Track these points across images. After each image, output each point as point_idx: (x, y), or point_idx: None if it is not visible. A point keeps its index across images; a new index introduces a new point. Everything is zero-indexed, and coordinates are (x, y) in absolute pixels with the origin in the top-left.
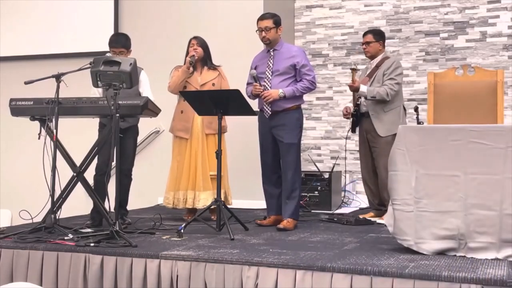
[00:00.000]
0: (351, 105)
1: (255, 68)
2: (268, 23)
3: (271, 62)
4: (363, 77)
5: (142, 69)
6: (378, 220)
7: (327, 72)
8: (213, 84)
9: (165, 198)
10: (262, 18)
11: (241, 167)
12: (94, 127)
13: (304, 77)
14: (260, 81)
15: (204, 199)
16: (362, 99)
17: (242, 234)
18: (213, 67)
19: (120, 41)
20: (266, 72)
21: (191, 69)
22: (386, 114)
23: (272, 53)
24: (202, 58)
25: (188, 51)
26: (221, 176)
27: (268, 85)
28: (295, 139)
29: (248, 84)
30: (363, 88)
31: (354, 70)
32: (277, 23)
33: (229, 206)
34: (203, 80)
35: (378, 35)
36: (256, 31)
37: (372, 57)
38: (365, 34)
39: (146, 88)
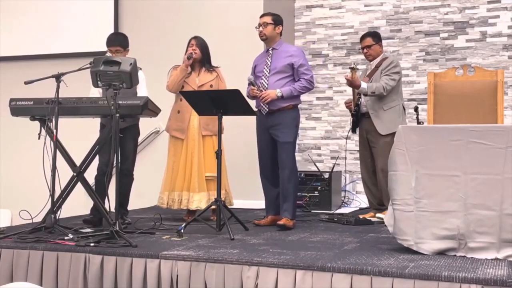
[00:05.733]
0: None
1: (255, 67)
2: (267, 19)
3: (269, 61)
4: (362, 77)
5: (141, 68)
6: (378, 215)
7: (327, 72)
8: (211, 86)
9: (159, 198)
10: (262, 15)
11: (241, 167)
12: (94, 127)
13: (302, 77)
14: (258, 79)
15: (197, 201)
16: (362, 98)
17: (242, 234)
18: (211, 69)
19: (117, 39)
20: (264, 70)
21: (189, 68)
22: (385, 112)
23: (270, 52)
24: (200, 59)
25: (187, 51)
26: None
27: (266, 83)
28: (290, 138)
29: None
30: (364, 85)
31: (353, 70)
32: (276, 21)
33: (229, 206)
34: (201, 81)
35: (376, 37)
36: (256, 27)
37: (373, 59)
38: (363, 38)
39: (142, 87)
